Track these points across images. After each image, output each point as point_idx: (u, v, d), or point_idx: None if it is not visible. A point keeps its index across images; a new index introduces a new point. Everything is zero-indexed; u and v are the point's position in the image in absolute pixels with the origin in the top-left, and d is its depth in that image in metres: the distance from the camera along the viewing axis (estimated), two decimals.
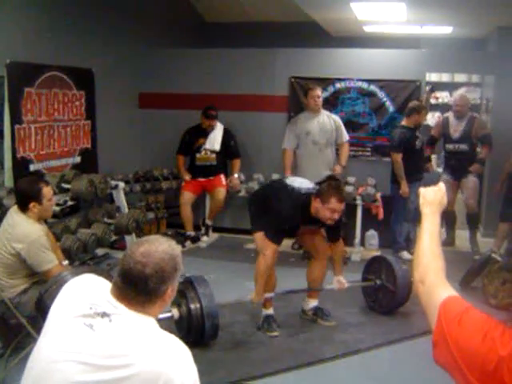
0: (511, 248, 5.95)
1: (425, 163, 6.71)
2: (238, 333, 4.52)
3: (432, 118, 8.25)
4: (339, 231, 4.52)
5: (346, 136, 6.31)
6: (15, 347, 3.82)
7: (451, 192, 6.42)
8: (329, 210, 4.01)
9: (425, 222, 1.68)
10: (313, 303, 4.73)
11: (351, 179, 6.70)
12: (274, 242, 4.15)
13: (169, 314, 3.72)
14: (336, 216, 4.05)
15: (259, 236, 4.29)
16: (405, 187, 6.22)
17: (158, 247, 1.79)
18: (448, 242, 6.76)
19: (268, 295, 4.36)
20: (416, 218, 5.89)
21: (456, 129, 6.64)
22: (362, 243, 6.64)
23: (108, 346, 1.66)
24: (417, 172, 6.36)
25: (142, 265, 1.74)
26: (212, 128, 6.73)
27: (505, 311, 5.28)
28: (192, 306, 3.72)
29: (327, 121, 6.28)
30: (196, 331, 3.74)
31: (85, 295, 1.80)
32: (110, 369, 1.64)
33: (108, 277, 2.45)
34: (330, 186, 4.09)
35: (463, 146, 6.61)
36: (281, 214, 4.14)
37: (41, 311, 2.95)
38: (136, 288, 1.74)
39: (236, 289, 5.28)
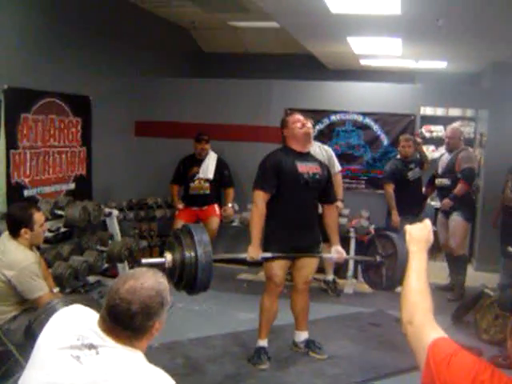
0: (504, 283, 5.87)
1: (421, 198, 6.58)
2: (229, 365, 4.44)
3: (433, 153, 8.19)
4: (332, 192, 4.67)
5: (338, 166, 6.20)
6: (3, 375, 3.77)
7: (445, 231, 6.26)
8: (294, 123, 4.43)
9: (412, 260, 1.65)
10: (303, 335, 4.68)
11: (345, 211, 6.66)
12: (264, 190, 4.34)
13: (162, 260, 3.59)
14: (304, 121, 4.43)
15: (256, 193, 4.43)
16: (395, 217, 6.20)
17: (144, 283, 1.76)
18: (450, 287, 6.34)
19: (265, 255, 4.23)
20: None
21: (443, 163, 6.34)
22: (355, 275, 6.60)
23: (94, 379, 1.64)
24: (411, 205, 6.28)
25: (128, 302, 1.72)
26: (205, 154, 6.73)
27: (497, 346, 5.22)
28: (187, 254, 3.53)
29: (318, 151, 6.23)
30: (188, 280, 3.56)
31: (72, 326, 1.78)
32: None
33: (98, 306, 2.44)
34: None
35: (445, 181, 6.22)
36: (268, 162, 4.42)
37: (29, 339, 2.91)
38: (122, 324, 1.72)
39: (228, 320, 5.25)
